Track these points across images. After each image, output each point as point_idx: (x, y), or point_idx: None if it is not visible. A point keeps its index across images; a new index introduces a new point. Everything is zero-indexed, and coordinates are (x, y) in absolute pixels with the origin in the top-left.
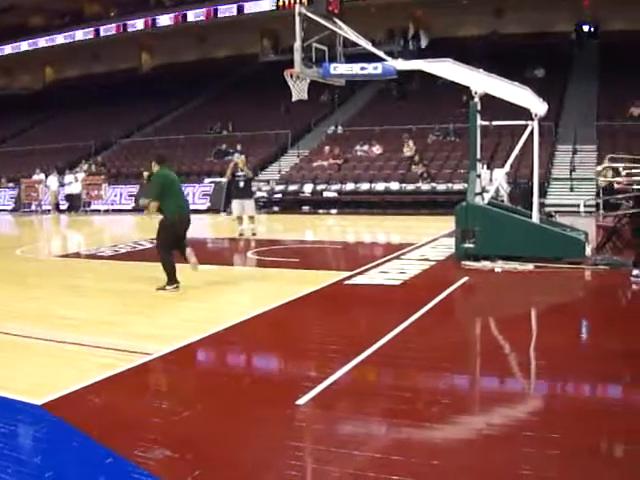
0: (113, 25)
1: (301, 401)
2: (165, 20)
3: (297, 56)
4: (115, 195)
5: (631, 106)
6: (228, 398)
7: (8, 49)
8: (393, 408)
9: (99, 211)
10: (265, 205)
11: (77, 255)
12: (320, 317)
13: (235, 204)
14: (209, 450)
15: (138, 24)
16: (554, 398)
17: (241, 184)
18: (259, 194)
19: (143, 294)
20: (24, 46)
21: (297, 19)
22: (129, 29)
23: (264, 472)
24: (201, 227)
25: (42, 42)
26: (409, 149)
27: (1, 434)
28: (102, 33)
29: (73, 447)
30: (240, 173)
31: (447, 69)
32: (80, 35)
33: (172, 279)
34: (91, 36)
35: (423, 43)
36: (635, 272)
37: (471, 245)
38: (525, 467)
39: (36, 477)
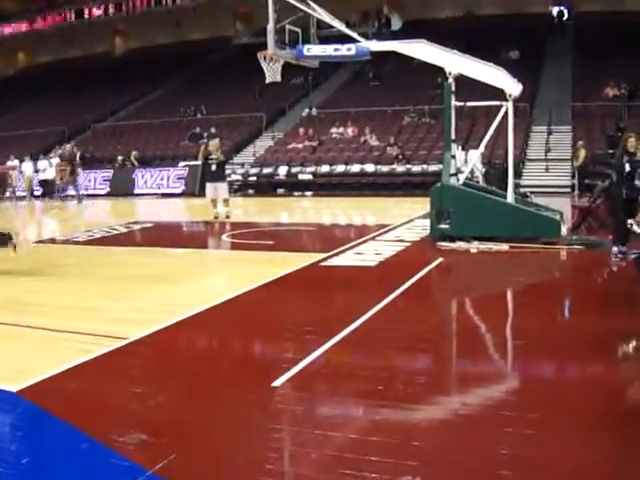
0: (86, 9)
1: (277, 383)
2: (138, 3)
3: (270, 38)
4: (89, 180)
5: (606, 87)
6: (204, 381)
7: None
8: (370, 389)
9: (73, 196)
10: (240, 188)
11: (52, 241)
12: (296, 299)
13: (208, 187)
14: (185, 434)
15: (111, 8)
16: (531, 378)
17: (213, 167)
18: (234, 177)
19: (118, 279)
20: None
21: (270, 1)
22: (102, 13)
23: (240, 455)
24: (176, 211)
25: (14, 28)
26: (373, 139)
27: None
28: (75, 18)
29: (49, 433)
30: (213, 156)
31: (421, 50)
32: (53, 20)
33: None
34: (64, 21)
35: (397, 24)
36: (615, 250)
37: (446, 226)
38: (503, 447)
39: (12, 464)
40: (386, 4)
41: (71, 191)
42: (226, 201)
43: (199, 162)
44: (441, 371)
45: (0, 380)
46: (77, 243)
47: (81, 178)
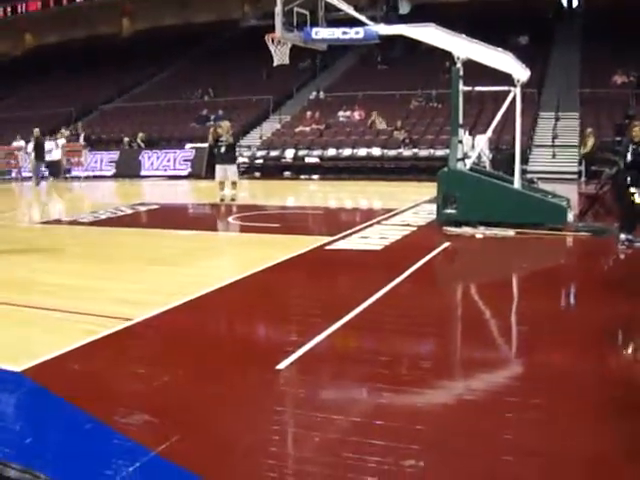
0: None
1: (281, 366)
2: None
3: (278, 20)
4: (95, 161)
5: (614, 74)
6: (208, 363)
7: None
8: (374, 372)
9: (79, 177)
10: (246, 171)
11: (58, 222)
12: (301, 282)
13: (218, 169)
14: (189, 415)
15: None
16: (535, 364)
17: (223, 149)
18: (240, 160)
19: (124, 260)
20: (3, 13)
21: None
22: None
23: (244, 437)
24: (182, 193)
25: (21, 8)
26: (380, 122)
27: None
28: None
29: (52, 413)
30: (223, 139)
31: (429, 34)
32: (59, 1)
33: None
34: (71, 2)
35: (406, 9)
36: (622, 237)
37: (452, 211)
38: (507, 432)
39: (16, 443)
40: None
41: (77, 172)
42: (234, 184)
43: (206, 144)
44: (445, 356)
45: (4, 360)
46: (83, 224)
47: (87, 159)
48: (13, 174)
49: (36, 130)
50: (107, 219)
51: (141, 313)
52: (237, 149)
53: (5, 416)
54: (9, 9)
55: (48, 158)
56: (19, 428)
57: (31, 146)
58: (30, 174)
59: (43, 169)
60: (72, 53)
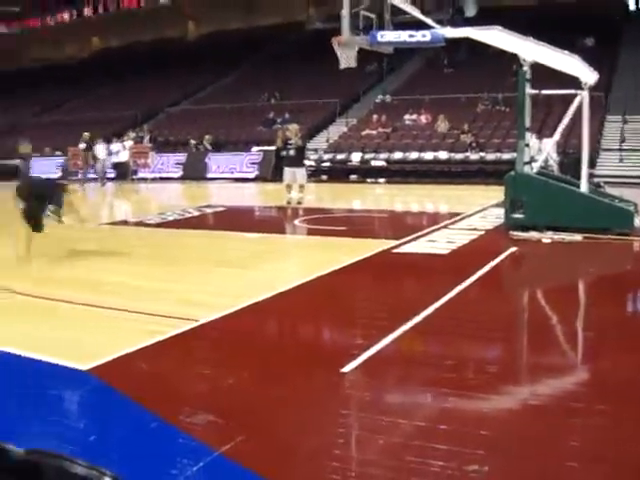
0: None
1: (347, 369)
2: None
3: (345, 23)
4: (162, 163)
5: None
6: (273, 366)
7: (53, 19)
8: (440, 377)
9: (146, 179)
10: (313, 174)
11: (124, 223)
12: (367, 285)
13: (286, 172)
14: (253, 417)
15: None
16: (601, 370)
17: (292, 152)
18: (307, 163)
19: (190, 261)
20: (69, 16)
21: None
22: None
23: (308, 439)
24: (248, 195)
25: (88, 11)
26: (440, 125)
27: (47, 398)
28: (145, 2)
29: (118, 412)
30: (291, 141)
31: (495, 37)
32: (125, 4)
33: None
34: (135, 5)
35: (472, 11)
36: None
37: (520, 215)
38: (572, 438)
39: (81, 441)
40: None
41: (144, 173)
42: (302, 187)
43: (273, 147)
44: (511, 361)
45: (71, 358)
46: (149, 225)
47: (154, 161)
48: (79, 175)
49: (85, 134)
50: (174, 221)
51: (207, 315)
52: (305, 152)
53: (71, 414)
54: (75, 12)
55: (115, 160)
56: (85, 426)
57: (99, 147)
58: (95, 175)
59: (109, 170)
60: (138, 56)
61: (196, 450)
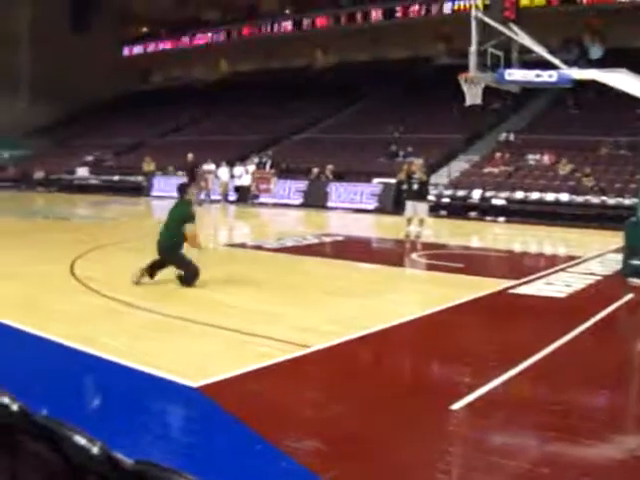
0: (287, 22)
1: (455, 406)
2: (340, 19)
3: (472, 60)
4: (284, 190)
5: None
6: (381, 397)
7: (184, 41)
8: (546, 421)
9: (267, 204)
10: (432, 209)
11: (242, 245)
12: (481, 324)
13: (408, 205)
14: (357, 446)
15: (311, 23)
16: None
17: (415, 186)
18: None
19: (305, 287)
20: (199, 39)
21: (473, 23)
22: (303, 27)
23: (410, 473)
24: (367, 226)
25: (217, 36)
26: (563, 168)
27: (157, 413)
28: (276, 30)
29: (224, 430)
30: (415, 175)
31: (621, 80)
32: (255, 31)
33: None
34: (265, 32)
35: (598, 53)
36: None
37: (639, 262)
38: None
39: (186, 456)
40: (588, 32)
41: (265, 198)
42: (422, 221)
43: (394, 180)
44: (621, 410)
45: (182, 375)
46: (267, 250)
47: (276, 187)
48: (202, 196)
49: (190, 155)
50: (292, 247)
51: (318, 341)
52: (428, 187)
53: (179, 429)
54: (204, 36)
55: (238, 183)
56: (191, 442)
57: (222, 170)
58: (219, 197)
59: (231, 193)
60: (265, 82)
61: (300, 474)
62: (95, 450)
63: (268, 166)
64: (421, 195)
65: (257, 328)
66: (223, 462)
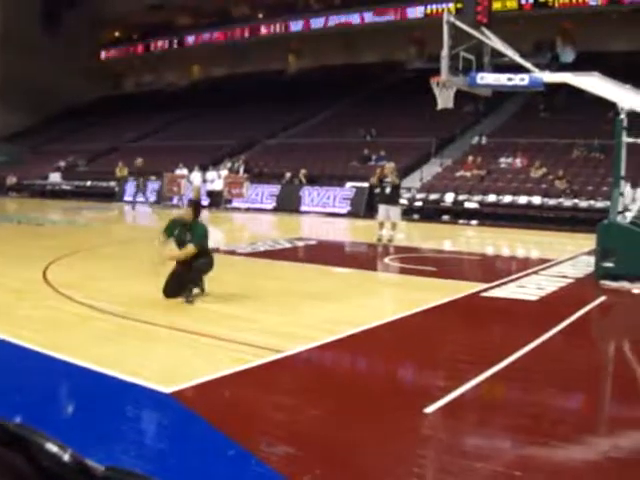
0: (260, 26)
1: (429, 410)
2: (314, 24)
3: (444, 64)
4: (256, 194)
5: None
6: (355, 401)
7: (156, 46)
8: (519, 424)
9: (240, 209)
10: (405, 213)
11: (215, 250)
12: (453, 327)
13: (381, 209)
14: (331, 451)
15: (284, 27)
16: None
17: (387, 190)
18: (400, 201)
19: (278, 292)
20: (172, 44)
21: (445, 28)
22: (276, 31)
23: (383, 477)
24: (340, 230)
25: (189, 41)
26: (536, 171)
27: (130, 420)
28: (249, 35)
29: (197, 436)
30: (387, 179)
31: (593, 83)
32: (227, 35)
33: None
34: (238, 37)
35: (570, 57)
36: None
37: (611, 264)
38: None
39: (158, 462)
40: (560, 36)
41: (237, 203)
42: (394, 225)
43: (366, 184)
44: (594, 412)
45: (155, 381)
46: (240, 254)
47: (249, 191)
48: (175, 200)
49: (138, 160)
50: (265, 251)
51: (292, 346)
52: (400, 191)
53: (151, 435)
54: (177, 41)
55: (210, 188)
56: (163, 448)
57: (194, 175)
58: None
59: (204, 197)
60: (238, 87)
61: (272, 479)
62: (66, 457)
63: (242, 170)
64: (393, 199)
65: (230, 333)
66: (195, 468)
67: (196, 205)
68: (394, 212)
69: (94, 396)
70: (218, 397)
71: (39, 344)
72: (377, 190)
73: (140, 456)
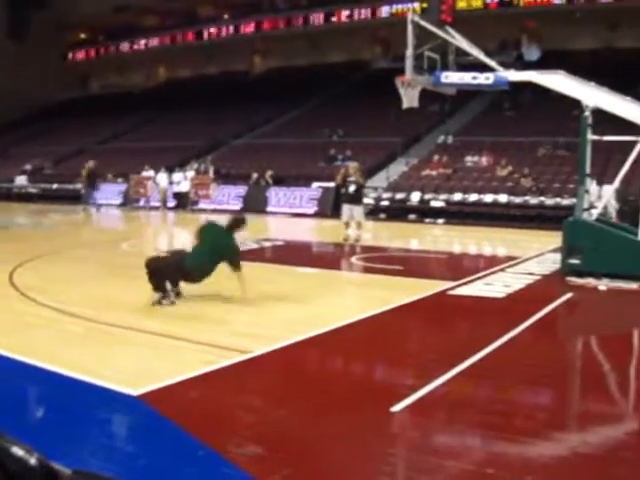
0: (226, 27)
1: (396, 408)
2: (278, 24)
3: (409, 63)
4: (223, 195)
5: None
6: (323, 400)
7: (122, 48)
8: (488, 421)
9: (206, 210)
10: (372, 212)
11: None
12: (421, 326)
13: (344, 209)
14: (300, 450)
15: (250, 27)
16: None
17: (351, 189)
18: (366, 201)
19: (247, 293)
20: (137, 45)
21: (409, 27)
22: (241, 32)
23: (352, 476)
24: (307, 230)
25: (155, 42)
26: (502, 170)
27: (97, 423)
28: (215, 35)
29: (165, 438)
30: (351, 179)
31: (558, 81)
32: (193, 36)
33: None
34: (203, 38)
35: (535, 55)
36: None
37: (577, 261)
38: None
39: (126, 465)
40: (525, 34)
41: (204, 204)
42: (359, 224)
43: (333, 184)
44: (562, 408)
45: (122, 384)
46: None
47: (216, 192)
48: (141, 202)
49: (90, 162)
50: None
51: (260, 347)
52: (364, 190)
53: (118, 438)
54: (143, 42)
55: (176, 189)
56: (131, 450)
57: (161, 176)
58: (158, 204)
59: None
60: (204, 88)
61: None
62: (33, 461)
63: (212, 172)
64: (357, 198)
65: (198, 335)
66: (164, 470)
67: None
68: (357, 211)
69: (61, 399)
70: (185, 399)
71: (5, 347)
72: (342, 190)
73: (108, 459)
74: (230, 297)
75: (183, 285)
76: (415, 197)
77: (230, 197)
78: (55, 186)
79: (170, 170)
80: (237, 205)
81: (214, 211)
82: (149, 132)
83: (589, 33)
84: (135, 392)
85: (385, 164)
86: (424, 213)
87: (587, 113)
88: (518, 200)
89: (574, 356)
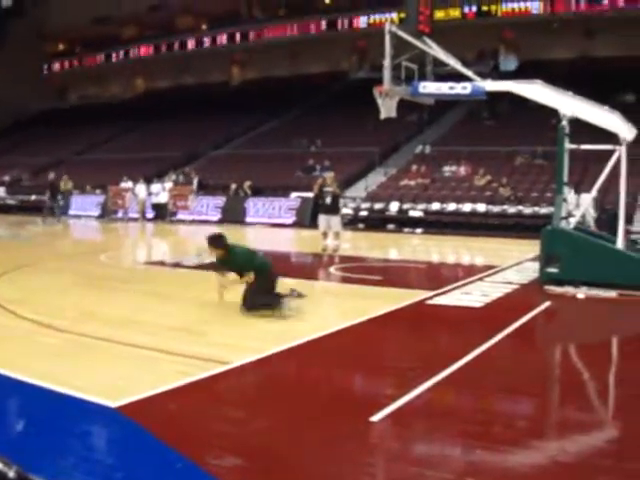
0: (204, 38)
1: (375, 418)
2: (257, 35)
3: (386, 74)
4: (202, 206)
5: None
6: (302, 411)
7: (100, 59)
8: (468, 430)
9: (185, 221)
10: (350, 222)
11: (161, 263)
12: (400, 335)
13: (321, 219)
14: (280, 461)
15: (229, 38)
16: (632, 428)
17: (328, 200)
18: (345, 211)
19: (224, 305)
20: (116, 56)
21: (387, 37)
22: (220, 43)
23: None
24: (285, 241)
25: (133, 53)
26: (480, 179)
27: (76, 435)
28: (193, 46)
29: (144, 450)
30: (328, 189)
31: (536, 91)
32: (171, 47)
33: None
34: (182, 49)
35: (512, 65)
36: None
37: (555, 270)
38: None
39: (105, 477)
40: (502, 44)
41: (183, 215)
42: (337, 234)
43: (311, 194)
44: (541, 416)
45: (100, 395)
46: (186, 267)
47: (194, 203)
48: (120, 214)
49: (51, 175)
50: (210, 264)
51: (238, 358)
52: (341, 200)
53: (97, 450)
54: (122, 53)
55: (155, 200)
56: (110, 463)
57: (139, 187)
58: (136, 215)
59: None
60: (182, 99)
61: None
62: (11, 474)
63: (195, 182)
64: (334, 209)
65: (177, 346)
66: None
67: (212, 240)
68: (335, 222)
69: (40, 412)
70: (164, 410)
71: None
72: (319, 201)
73: (87, 472)
74: (208, 308)
75: (160, 297)
76: (394, 207)
77: (209, 208)
78: (33, 197)
79: (148, 181)
80: (216, 216)
81: (192, 222)
82: (127, 143)
83: (566, 43)
84: (114, 404)
85: (363, 174)
86: (402, 223)
87: (564, 122)
88: (496, 209)
89: (553, 365)
